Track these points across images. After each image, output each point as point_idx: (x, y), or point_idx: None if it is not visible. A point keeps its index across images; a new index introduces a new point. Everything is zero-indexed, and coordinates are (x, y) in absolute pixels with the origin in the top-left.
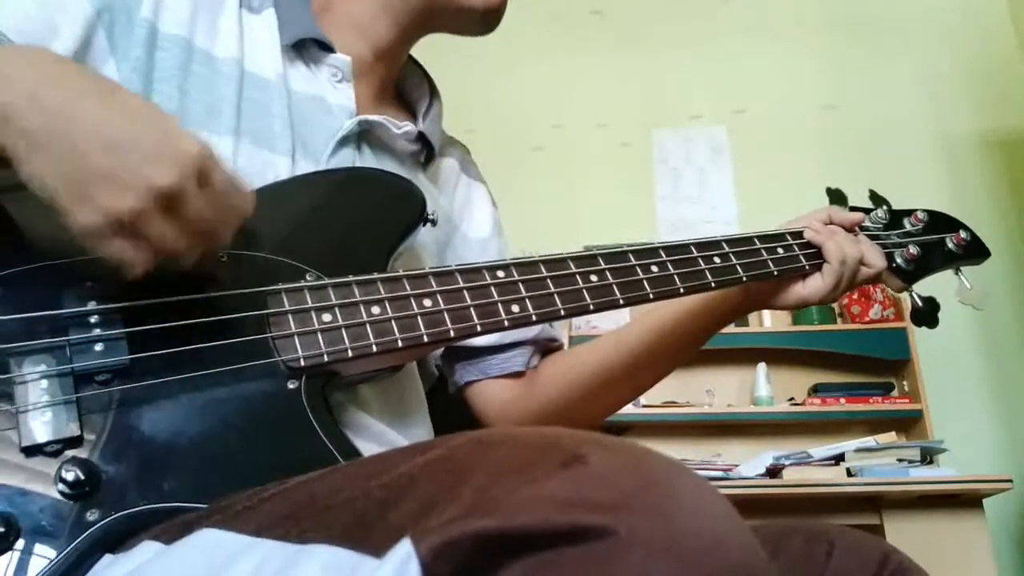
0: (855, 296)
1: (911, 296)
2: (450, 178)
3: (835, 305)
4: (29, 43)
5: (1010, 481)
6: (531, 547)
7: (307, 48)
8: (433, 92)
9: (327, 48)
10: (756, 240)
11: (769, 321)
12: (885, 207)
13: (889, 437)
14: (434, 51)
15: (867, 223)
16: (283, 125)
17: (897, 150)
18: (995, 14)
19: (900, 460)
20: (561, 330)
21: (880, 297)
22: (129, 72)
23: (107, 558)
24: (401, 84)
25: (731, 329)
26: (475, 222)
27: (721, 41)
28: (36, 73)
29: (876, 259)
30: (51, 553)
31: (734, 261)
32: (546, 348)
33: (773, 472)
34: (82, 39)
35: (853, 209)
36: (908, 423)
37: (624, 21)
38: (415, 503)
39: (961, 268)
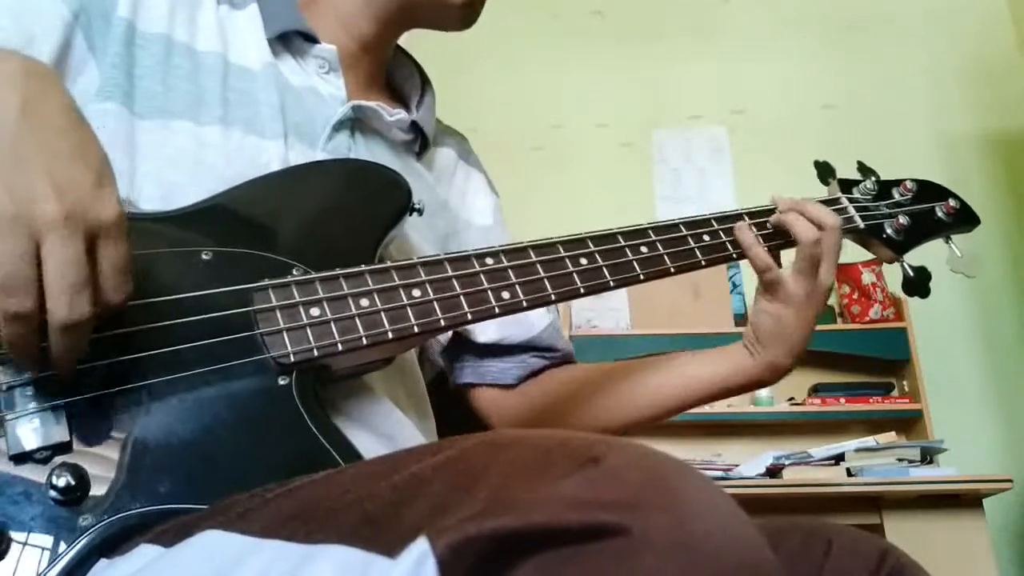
0: (855, 296)
1: (902, 266)
2: (448, 167)
3: (835, 305)
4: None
5: (1010, 481)
6: (546, 545)
7: (292, 41)
8: (425, 82)
9: (312, 40)
10: (746, 216)
11: None
12: (874, 178)
13: (889, 437)
14: (434, 50)
15: (856, 194)
16: (272, 111)
17: (897, 150)
18: (995, 14)
19: (900, 460)
20: (562, 329)
21: (880, 297)
22: (109, 68)
23: (102, 563)
24: (391, 75)
25: (731, 328)
26: (476, 210)
27: (721, 41)
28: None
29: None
30: (45, 560)
31: (724, 239)
32: (546, 357)
33: (773, 472)
34: (61, 43)
35: (842, 181)
36: (908, 423)
37: (624, 21)
38: (428, 503)
39: (952, 236)
